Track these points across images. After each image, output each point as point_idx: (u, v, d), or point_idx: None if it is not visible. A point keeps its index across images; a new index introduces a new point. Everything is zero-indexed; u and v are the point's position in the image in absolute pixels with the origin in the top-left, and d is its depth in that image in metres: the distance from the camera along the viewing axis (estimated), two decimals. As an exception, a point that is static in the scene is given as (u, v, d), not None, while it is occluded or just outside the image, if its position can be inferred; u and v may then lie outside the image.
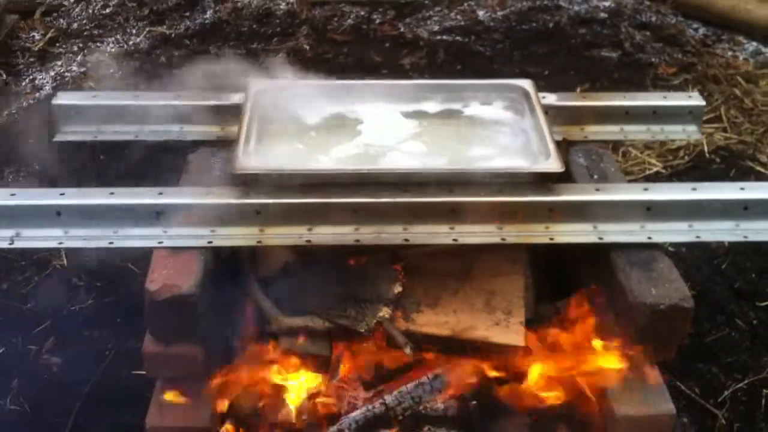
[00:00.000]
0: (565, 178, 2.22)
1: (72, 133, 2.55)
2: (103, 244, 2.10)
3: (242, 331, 2.21)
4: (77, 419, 2.43)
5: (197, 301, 1.97)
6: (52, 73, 4.25)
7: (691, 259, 3.02)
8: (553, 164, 2.16)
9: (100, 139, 2.55)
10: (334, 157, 2.31)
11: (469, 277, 2.27)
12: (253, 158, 2.23)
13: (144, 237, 2.11)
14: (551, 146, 2.23)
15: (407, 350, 2.08)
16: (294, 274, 2.25)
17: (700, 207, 2.16)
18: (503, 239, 2.12)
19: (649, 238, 2.14)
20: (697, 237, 2.14)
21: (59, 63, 4.38)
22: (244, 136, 2.26)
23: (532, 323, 2.21)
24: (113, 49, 4.46)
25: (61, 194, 2.14)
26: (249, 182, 2.16)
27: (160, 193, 2.15)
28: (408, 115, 2.50)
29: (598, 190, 2.19)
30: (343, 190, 2.14)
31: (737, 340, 2.78)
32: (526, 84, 2.53)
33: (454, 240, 2.12)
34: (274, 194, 2.13)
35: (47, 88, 4.12)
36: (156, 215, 2.12)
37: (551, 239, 2.13)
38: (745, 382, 2.63)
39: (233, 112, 2.47)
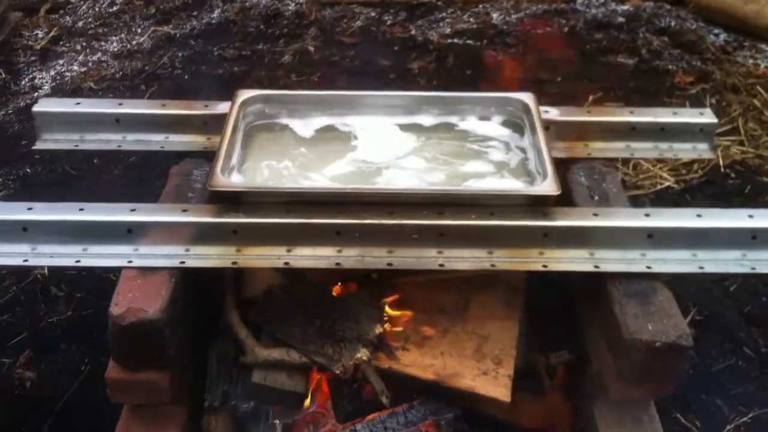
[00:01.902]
0: (562, 199, 2.09)
1: (53, 141, 2.46)
2: (70, 262, 2.00)
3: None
4: (48, 437, 2.34)
5: (163, 327, 1.87)
6: (53, 73, 4.18)
7: (700, 280, 2.86)
8: (549, 187, 2.03)
9: (81, 148, 2.45)
10: (326, 174, 2.19)
11: (461, 317, 2.16)
12: (232, 175, 2.12)
13: (113, 255, 2.01)
14: (549, 166, 2.10)
15: (383, 399, 1.97)
16: (274, 301, 2.13)
17: (705, 235, 2.03)
18: (493, 265, 2.00)
19: (649, 267, 2.00)
20: (701, 268, 2.01)
21: (60, 62, 4.30)
22: (225, 150, 2.14)
23: (520, 375, 2.08)
24: (116, 49, 4.37)
25: (28, 209, 2.05)
26: (226, 200, 2.05)
27: (133, 210, 2.05)
28: (403, 128, 2.38)
29: (596, 215, 2.05)
30: (325, 210, 2.03)
31: (744, 370, 2.63)
32: (527, 97, 2.40)
33: (441, 265, 1.99)
34: (252, 213, 2.02)
35: (46, 87, 4.05)
36: (126, 233, 2.01)
37: (544, 266, 2.00)
38: (750, 415, 2.48)
39: (220, 123, 2.36)
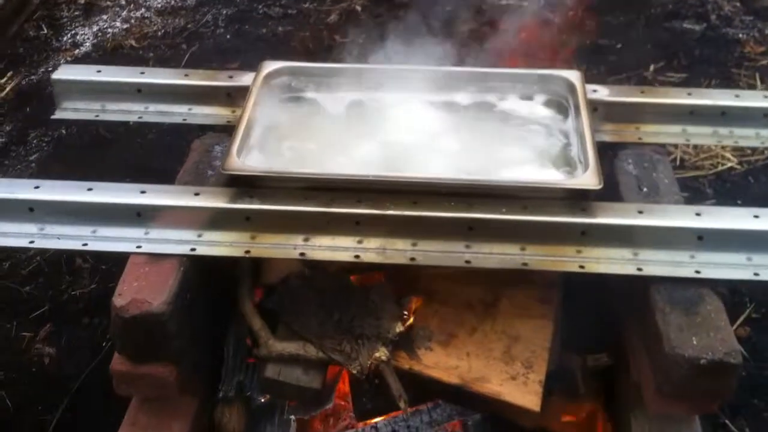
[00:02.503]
0: (607, 190, 1.91)
1: (73, 110, 2.36)
2: (77, 245, 1.91)
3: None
4: (63, 416, 2.27)
5: (168, 320, 1.76)
6: (95, 29, 4.09)
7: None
8: (589, 180, 1.85)
9: (101, 118, 2.35)
10: (353, 156, 2.04)
11: (491, 314, 2.00)
12: (251, 155, 1.99)
13: (122, 239, 1.91)
14: (591, 156, 1.91)
15: (401, 404, 1.83)
16: (292, 290, 2.01)
17: (763, 238, 1.83)
18: (525, 264, 1.84)
19: (698, 272, 1.82)
20: (756, 274, 1.82)
21: (104, 17, 4.21)
22: (243, 129, 2.01)
23: (554, 377, 1.93)
24: (160, 5, 4.25)
25: (35, 187, 1.95)
26: (242, 183, 1.92)
27: (143, 192, 1.94)
28: (437, 106, 2.21)
29: (641, 212, 1.87)
30: (345, 197, 1.89)
31: (803, 374, 2.43)
32: (573, 76, 2.20)
33: (468, 261, 1.84)
34: (267, 199, 1.90)
35: (87, 44, 3.96)
36: (136, 216, 1.90)
37: (581, 267, 1.83)
38: (807, 424, 2.29)
39: (245, 95, 2.23)
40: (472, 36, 3.93)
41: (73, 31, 4.08)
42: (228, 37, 3.96)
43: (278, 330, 2.00)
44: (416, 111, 2.18)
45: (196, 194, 1.92)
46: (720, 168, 3.10)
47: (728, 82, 3.55)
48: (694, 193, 2.97)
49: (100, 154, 3.18)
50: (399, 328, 1.93)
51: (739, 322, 2.45)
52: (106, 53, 3.86)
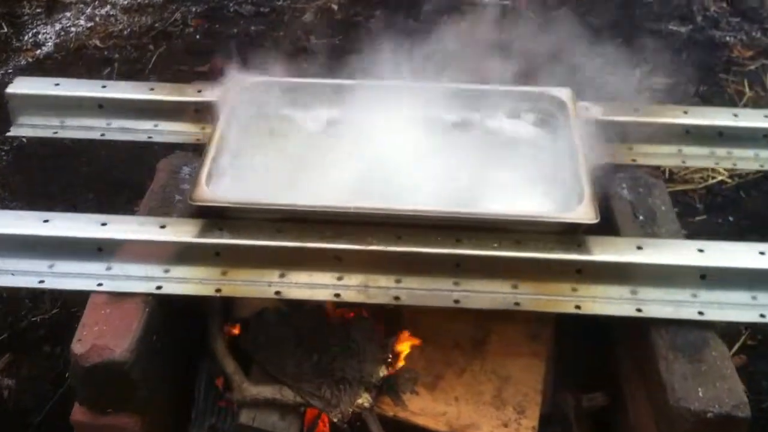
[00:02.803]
0: (601, 217, 1.78)
1: (30, 126, 2.20)
2: (32, 283, 1.76)
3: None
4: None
5: (131, 368, 1.62)
6: (57, 27, 3.89)
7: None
8: (585, 213, 1.73)
9: (61, 136, 2.19)
10: (331, 180, 1.89)
11: (480, 353, 1.88)
12: (220, 183, 1.84)
13: (82, 275, 1.76)
14: (585, 184, 1.79)
15: (385, 456, 1.71)
16: (266, 327, 1.87)
17: (769, 276, 1.72)
18: (517, 303, 1.71)
19: (701, 313, 1.70)
20: (762, 316, 1.71)
21: (67, 15, 4.01)
22: (213, 152, 1.86)
23: (547, 421, 1.81)
24: (126, 1, 4.06)
25: (-14, 219, 1.79)
26: (211, 215, 1.78)
27: (104, 224, 1.78)
28: (420, 124, 2.07)
29: (640, 248, 1.75)
30: (323, 231, 1.75)
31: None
32: (563, 93, 2.08)
33: (456, 301, 1.71)
34: (239, 233, 1.75)
35: (49, 44, 3.77)
36: (98, 250, 1.75)
37: (577, 307, 1.72)
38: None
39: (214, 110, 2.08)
40: (451, 35, 3.78)
41: (34, 30, 3.89)
42: (198, 37, 3.79)
43: (252, 371, 1.87)
44: (398, 130, 2.03)
45: (162, 227, 1.78)
46: (710, 181, 3.00)
47: (716, 88, 3.46)
48: (684, 207, 2.87)
49: (63, 165, 3.01)
50: (383, 372, 1.80)
51: (734, 349, 2.35)
52: (69, 54, 3.67)
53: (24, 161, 3.04)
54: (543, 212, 1.79)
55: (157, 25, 3.86)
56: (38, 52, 3.72)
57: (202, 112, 2.14)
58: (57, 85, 2.20)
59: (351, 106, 2.07)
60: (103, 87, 2.19)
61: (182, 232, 1.76)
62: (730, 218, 2.88)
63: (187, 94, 2.16)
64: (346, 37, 3.77)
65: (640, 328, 1.73)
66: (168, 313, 1.76)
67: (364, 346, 1.84)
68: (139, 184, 2.74)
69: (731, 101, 3.39)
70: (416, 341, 1.92)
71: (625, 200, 1.99)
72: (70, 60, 3.61)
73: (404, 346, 1.89)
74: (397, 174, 1.90)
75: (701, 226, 2.85)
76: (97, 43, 3.74)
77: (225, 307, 1.93)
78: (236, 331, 1.92)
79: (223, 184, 1.84)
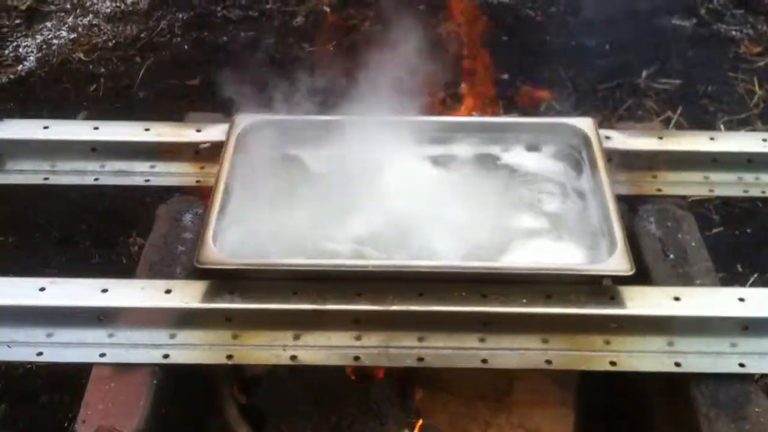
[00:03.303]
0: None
1: (18, 172, 2.07)
2: (30, 356, 1.65)
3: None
4: None
5: (143, 451, 1.51)
6: (39, 40, 3.74)
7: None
8: (619, 264, 1.62)
9: (52, 182, 2.06)
10: (347, 231, 1.79)
11: (505, 405, 1.79)
12: (227, 237, 1.72)
13: (83, 344, 1.65)
14: (617, 230, 1.68)
15: None
16: (279, 385, 1.77)
17: (814, 325, 1.62)
18: (549, 361, 1.61)
19: (742, 365, 1.61)
20: (806, 365, 1.61)
21: (48, 26, 3.85)
22: (218, 204, 1.74)
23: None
24: (109, 9, 3.90)
25: (-23, 289, 1.67)
26: (220, 276, 1.66)
27: (104, 291, 1.67)
28: (436, 162, 1.97)
29: (677, 299, 1.65)
30: (341, 289, 1.64)
31: None
32: (584, 124, 1.97)
33: (484, 361, 1.61)
34: (250, 296, 1.64)
35: (31, 59, 3.62)
36: (97, 320, 1.64)
37: (612, 363, 1.62)
38: None
39: (215, 150, 1.97)
40: (449, 38, 3.66)
41: (15, 43, 3.73)
42: (186, 47, 3.64)
43: (266, 432, 1.76)
44: (412, 169, 1.93)
45: (168, 291, 1.66)
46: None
47: (725, 87, 3.35)
48: (699, 219, 2.75)
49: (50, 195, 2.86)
50: (407, 436, 1.70)
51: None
52: (53, 69, 3.52)
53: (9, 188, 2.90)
54: (573, 264, 1.68)
55: (143, 35, 3.71)
56: (20, 67, 3.57)
57: (202, 153, 2.02)
58: (46, 128, 2.07)
59: (361, 144, 1.95)
60: (96, 129, 2.06)
61: (189, 297, 1.65)
62: (748, 230, 2.79)
63: (184, 135, 2.04)
64: (339, 44, 3.63)
65: (677, 380, 1.63)
66: (177, 382, 1.66)
67: (384, 407, 1.74)
68: (132, 211, 2.64)
69: (741, 101, 3.29)
70: (437, 392, 1.82)
71: (652, 236, 1.89)
72: (53, 76, 3.47)
73: (425, 402, 1.79)
74: (414, 221, 1.80)
75: (718, 239, 2.76)
76: (81, 56, 3.59)
77: (235, 364, 1.82)
78: (248, 391, 1.81)
79: (230, 240, 1.73)
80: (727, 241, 2.77)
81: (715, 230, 2.78)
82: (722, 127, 3.14)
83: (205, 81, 3.38)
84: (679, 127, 3.13)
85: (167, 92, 3.35)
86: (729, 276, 2.64)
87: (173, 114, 3.07)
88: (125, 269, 2.53)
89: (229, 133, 1.94)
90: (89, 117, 3.15)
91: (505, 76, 3.47)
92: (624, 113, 3.23)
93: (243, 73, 3.30)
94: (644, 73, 3.41)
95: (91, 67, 3.54)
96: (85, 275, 2.54)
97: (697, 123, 3.15)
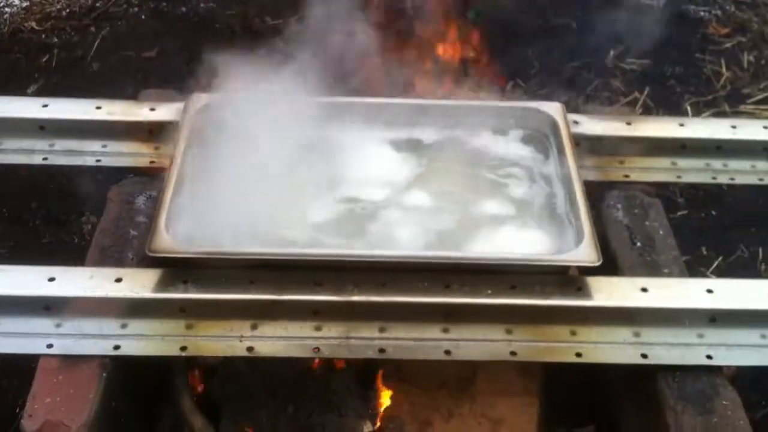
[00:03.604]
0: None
1: (-39, 149, 1.96)
2: (-29, 349, 1.56)
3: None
4: None
5: (91, 447, 1.44)
6: (-12, 7, 3.57)
7: None
8: (587, 254, 1.58)
9: (-1, 161, 1.96)
10: (307, 218, 1.72)
11: (468, 394, 1.74)
12: (181, 227, 1.65)
13: (29, 335, 1.57)
14: (585, 219, 1.65)
15: None
16: (237, 373, 1.71)
17: (782, 315, 1.60)
18: (513, 353, 1.58)
19: (709, 357, 1.59)
20: (774, 359, 1.59)
21: (-1, -9, 3.68)
22: (172, 189, 1.67)
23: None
24: (62, -23, 3.75)
25: None
26: (173, 264, 1.59)
27: (51, 279, 1.59)
28: (400, 146, 1.90)
29: (645, 290, 1.62)
30: (300, 279, 1.58)
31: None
32: (553, 109, 1.92)
33: (447, 352, 1.57)
34: (205, 285, 1.58)
35: (-21, 27, 3.46)
36: (44, 309, 1.56)
37: (578, 355, 1.58)
38: None
39: (169, 130, 1.88)
40: (414, 16, 3.58)
41: (-39, 10, 3.57)
42: (143, 17, 3.51)
43: (222, 424, 1.70)
44: (374, 153, 1.87)
45: (118, 280, 1.59)
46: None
47: (693, 69, 3.32)
48: (665, 202, 2.72)
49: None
50: (367, 427, 1.65)
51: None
52: (4, 39, 3.38)
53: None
54: (539, 255, 1.64)
55: (98, 4, 3.57)
56: (-31, 39, 3.42)
57: (156, 132, 1.94)
58: (-10, 102, 1.97)
59: (323, 125, 1.89)
60: (45, 106, 1.97)
61: (140, 286, 1.58)
62: (713, 212, 2.77)
63: (139, 114, 1.95)
64: (303, 18, 3.52)
65: (644, 373, 1.60)
66: (128, 373, 1.59)
67: (344, 398, 1.69)
68: (84, 189, 2.53)
69: (708, 82, 3.26)
70: (399, 382, 1.77)
71: (620, 223, 1.86)
72: (4, 46, 3.33)
73: (387, 393, 1.75)
74: (376, 208, 1.74)
75: (683, 222, 2.73)
76: (34, 25, 3.45)
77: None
78: (203, 380, 1.75)
79: (185, 226, 1.65)
80: (692, 224, 2.74)
81: (680, 213, 2.76)
82: (689, 108, 3.10)
83: (162, 53, 3.27)
84: (645, 108, 3.09)
85: (122, 64, 3.23)
86: (694, 259, 2.62)
87: (128, 87, 2.98)
88: (77, 249, 2.44)
89: (184, 113, 1.86)
90: (39, 92, 3.02)
91: (471, 54, 3.39)
92: (591, 93, 3.17)
93: (200, 47, 3.21)
94: (611, 53, 3.36)
95: (44, 36, 3.40)
96: (35, 255, 2.52)
97: (664, 104, 3.11)
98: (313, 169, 1.82)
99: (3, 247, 2.52)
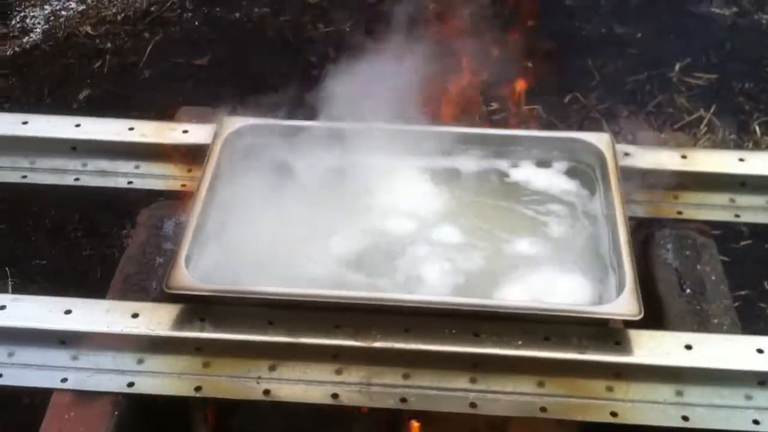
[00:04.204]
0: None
1: (-4, 168, 1.95)
2: (-11, 380, 1.54)
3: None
4: None
5: (98, 493, 1.40)
6: (47, 11, 3.61)
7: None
8: (627, 307, 1.47)
9: (30, 181, 1.94)
10: (331, 251, 1.66)
11: (499, 440, 1.65)
12: (204, 255, 1.60)
13: (45, 367, 1.54)
14: (627, 267, 1.53)
15: None
16: (256, 414, 1.66)
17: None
18: (543, 409, 1.48)
19: (756, 422, 1.46)
20: (830, 428, 1.46)
21: (57, -4, 3.71)
22: (195, 221, 1.61)
23: None
24: (119, -20, 3.76)
25: (-69, 307, 1.57)
26: (191, 301, 1.54)
27: (68, 312, 1.55)
28: (435, 176, 1.81)
29: (689, 347, 1.50)
30: (322, 319, 1.52)
31: None
32: (601, 141, 1.80)
33: (473, 405, 1.48)
34: (222, 324, 1.52)
35: (38, 31, 3.49)
36: (59, 343, 1.53)
37: (614, 414, 1.47)
38: None
39: (203, 152, 1.83)
40: (474, 22, 3.47)
41: (22, 13, 3.61)
42: (196, 23, 3.49)
43: (241, 464, 1.65)
44: (409, 185, 1.79)
45: (135, 315, 1.54)
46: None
47: (764, 84, 3.14)
48: (725, 230, 2.58)
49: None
50: (388, 478, 1.58)
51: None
52: (59, 44, 3.40)
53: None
54: (575, 305, 1.53)
55: (153, 9, 3.57)
56: (25, 39, 3.45)
57: (189, 155, 1.89)
58: (25, 123, 1.95)
59: (357, 154, 1.81)
60: (77, 126, 1.94)
61: (156, 323, 1.53)
62: (787, 245, 2.61)
63: (172, 137, 1.91)
64: (356, 23, 3.46)
65: (682, 430, 1.49)
66: (141, 410, 1.54)
67: (368, 443, 1.62)
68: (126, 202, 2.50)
69: (781, 101, 3.09)
70: (427, 427, 1.69)
71: (669, 266, 1.74)
72: (59, 51, 3.35)
73: (414, 437, 1.67)
74: (403, 244, 1.66)
75: (746, 253, 2.58)
76: (89, 30, 3.46)
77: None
78: (221, 417, 1.70)
79: (206, 261, 1.60)
80: (756, 255, 2.59)
81: (743, 243, 2.60)
82: (757, 128, 2.94)
83: (213, 61, 3.24)
84: (710, 127, 2.93)
85: (173, 71, 3.21)
86: (755, 294, 2.48)
87: (177, 96, 2.96)
88: (116, 263, 2.42)
89: (214, 138, 1.80)
90: (89, 99, 3.02)
91: (529, 65, 3.28)
92: (653, 110, 3.03)
93: (250, 57, 3.17)
94: (677, 66, 3.20)
95: (97, 41, 3.41)
96: (74, 267, 2.51)
97: (731, 123, 2.95)
98: (344, 200, 1.74)
99: (42, 258, 2.52)
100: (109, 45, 3.39)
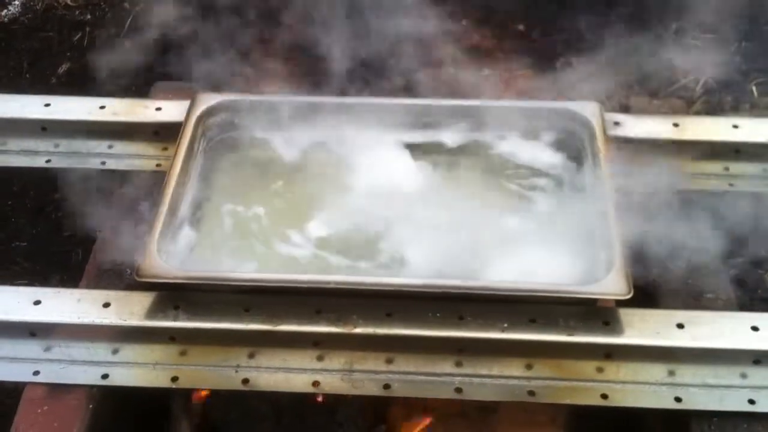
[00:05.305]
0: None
1: (-39, 149, 1.89)
2: (-44, 375, 1.49)
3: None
4: None
5: (70, 490, 1.36)
6: (25, -19, 3.50)
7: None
8: (615, 286, 1.41)
9: (0, 164, 1.88)
10: (311, 233, 1.60)
11: (489, 425, 1.62)
12: (176, 247, 1.54)
13: (16, 360, 1.49)
14: (615, 244, 1.47)
15: None
16: (239, 401, 1.61)
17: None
18: (531, 392, 1.43)
19: (752, 402, 1.42)
20: (828, 406, 1.41)
21: (36, -35, 3.60)
22: (167, 204, 1.55)
23: None
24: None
25: None
26: (164, 289, 1.49)
27: (37, 302, 1.50)
28: (419, 151, 1.75)
29: (681, 326, 1.44)
30: (299, 307, 1.46)
31: None
32: (589, 109, 1.73)
33: (458, 390, 1.43)
34: (198, 312, 1.47)
35: (16, 3, 3.38)
36: (28, 335, 1.48)
37: (604, 397, 1.43)
38: None
39: (177, 130, 1.77)
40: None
41: (-1, -17, 3.50)
42: (175, -8, 3.39)
43: (223, 453, 1.61)
44: (390, 160, 1.72)
45: (106, 305, 1.49)
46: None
47: (761, 43, 3.04)
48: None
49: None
50: (376, 461, 1.54)
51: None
52: (37, 16, 3.30)
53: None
54: (562, 285, 1.47)
55: (138, -11, 3.46)
56: (4, 12, 3.35)
57: (163, 133, 1.83)
58: (-8, 102, 1.88)
59: (336, 130, 1.74)
60: (47, 105, 1.87)
61: (128, 312, 1.47)
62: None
63: (144, 114, 1.84)
64: None
65: (678, 414, 1.44)
66: (116, 403, 1.50)
67: (352, 428, 1.57)
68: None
69: (782, 61, 2.99)
70: (413, 411, 1.65)
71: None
72: (37, 24, 3.25)
73: (399, 421, 1.63)
74: (386, 223, 1.60)
75: None
76: (68, 1, 3.36)
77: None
78: (203, 405, 1.65)
79: (180, 246, 1.54)
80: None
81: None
82: (754, 89, 2.84)
83: (196, 32, 3.14)
84: (706, 90, 2.85)
85: (156, 43, 3.11)
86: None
87: (159, 68, 2.87)
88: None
89: (187, 115, 1.74)
90: (69, 72, 2.94)
91: (521, 27, 3.19)
92: (648, 73, 2.93)
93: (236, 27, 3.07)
94: (673, 26, 3.10)
95: (77, 13, 3.30)
96: (54, 248, 2.45)
97: (728, 84, 2.86)
98: (323, 179, 1.68)
99: (23, 240, 2.46)
100: (89, 17, 3.29)
